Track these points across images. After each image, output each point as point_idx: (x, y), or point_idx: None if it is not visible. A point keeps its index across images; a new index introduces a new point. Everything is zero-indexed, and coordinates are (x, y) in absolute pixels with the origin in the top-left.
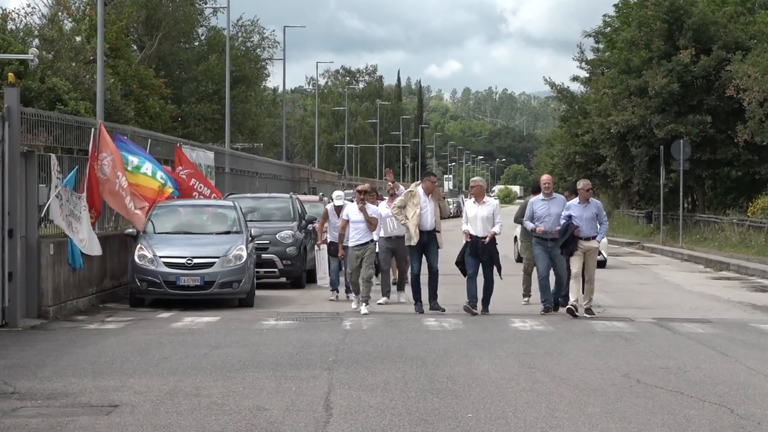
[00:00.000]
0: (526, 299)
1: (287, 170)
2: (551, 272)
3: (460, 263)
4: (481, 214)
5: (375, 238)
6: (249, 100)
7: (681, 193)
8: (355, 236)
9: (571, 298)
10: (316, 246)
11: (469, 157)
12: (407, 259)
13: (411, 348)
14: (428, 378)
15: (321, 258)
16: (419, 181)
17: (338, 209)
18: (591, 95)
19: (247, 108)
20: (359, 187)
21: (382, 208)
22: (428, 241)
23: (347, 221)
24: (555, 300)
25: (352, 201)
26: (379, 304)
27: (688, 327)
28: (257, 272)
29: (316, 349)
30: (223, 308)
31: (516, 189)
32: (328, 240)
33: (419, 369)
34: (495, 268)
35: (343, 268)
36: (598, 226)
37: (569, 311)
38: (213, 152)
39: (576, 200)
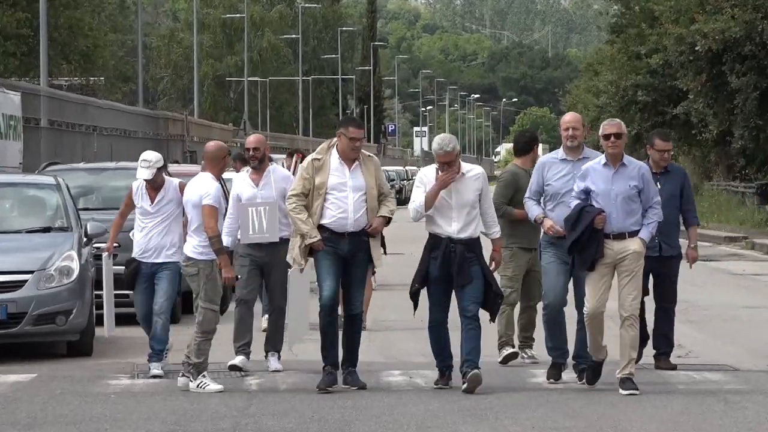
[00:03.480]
0: (507, 351)
1: (147, 122)
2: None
3: (417, 293)
4: (461, 200)
5: (226, 243)
6: (80, 4)
7: None
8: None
9: (594, 351)
10: (103, 255)
11: (456, 96)
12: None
13: (361, 422)
14: None
15: (106, 278)
16: (334, 140)
17: (152, 186)
18: None
19: (78, 18)
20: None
21: (241, 184)
22: (352, 251)
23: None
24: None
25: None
26: (237, 370)
27: None
28: (98, 297)
29: (201, 427)
30: (41, 358)
31: (539, 148)
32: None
33: None
34: (487, 297)
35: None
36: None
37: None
38: (19, 93)
39: (599, 160)
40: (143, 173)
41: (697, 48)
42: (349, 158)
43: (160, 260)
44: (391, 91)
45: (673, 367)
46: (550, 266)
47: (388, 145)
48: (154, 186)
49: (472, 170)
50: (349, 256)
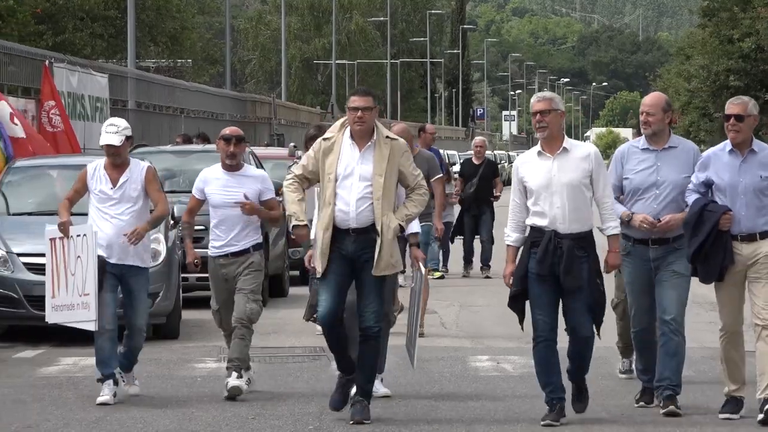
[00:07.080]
0: (626, 370)
1: (234, 105)
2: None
3: (517, 299)
4: (564, 179)
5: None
6: None
7: None
8: (222, 235)
9: (730, 386)
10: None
11: (545, 80)
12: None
13: (448, 407)
14: None
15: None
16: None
17: (114, 163)
18: None
19: (165, 1)
20: (228, 131)
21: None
22: (359, 252)
23: (201, 202)
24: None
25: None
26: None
27: None
28: (185, 280)
29: (287, 410)
30: None
31: (628, 133)
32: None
33: None
34: (594, 311)
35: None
36: None
37: (669, 410)
38: (107, 75)
39: (723, 146)
40: (110, 138)
41: None
42: (359, 137)
43: (129, 263)
44: (480, 74)
45: None
46: (634, 286)
47: (476, 128)
48: (118, 163)
49: (579, 147)
50: (356, 257)
